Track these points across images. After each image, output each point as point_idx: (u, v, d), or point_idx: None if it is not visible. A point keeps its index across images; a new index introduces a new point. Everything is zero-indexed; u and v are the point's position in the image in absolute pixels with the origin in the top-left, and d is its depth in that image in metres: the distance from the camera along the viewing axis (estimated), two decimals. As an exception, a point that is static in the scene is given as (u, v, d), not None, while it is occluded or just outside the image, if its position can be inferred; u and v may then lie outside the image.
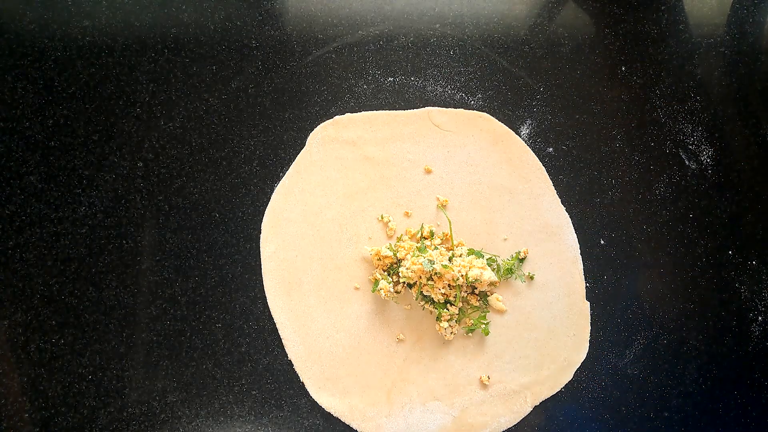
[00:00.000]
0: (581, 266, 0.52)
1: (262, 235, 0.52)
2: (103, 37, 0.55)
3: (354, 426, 0.50)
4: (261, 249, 0.52)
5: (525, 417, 0.50)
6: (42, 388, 0.51)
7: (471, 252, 0.51)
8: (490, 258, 0.51)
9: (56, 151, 0.53)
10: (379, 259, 0.51)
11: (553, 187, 0.52)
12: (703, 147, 0.54)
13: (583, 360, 0.51)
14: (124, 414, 0.50)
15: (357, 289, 0.51)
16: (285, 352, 0.51)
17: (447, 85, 0.54)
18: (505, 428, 0.50)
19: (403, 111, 0.53)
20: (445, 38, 0.55)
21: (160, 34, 0.55)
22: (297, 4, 0.56)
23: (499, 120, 0.53)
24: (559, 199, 0.52)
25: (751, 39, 0.55)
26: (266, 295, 0.52)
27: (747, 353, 0.51)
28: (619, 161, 0.53)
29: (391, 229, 0.52)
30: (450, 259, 0.50)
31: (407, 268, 0.49)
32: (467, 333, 0.50)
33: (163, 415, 0.50)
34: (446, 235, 0.51)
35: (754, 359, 0.51)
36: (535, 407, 0.50)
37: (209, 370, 0.51)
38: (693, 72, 0.55)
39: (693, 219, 0.53)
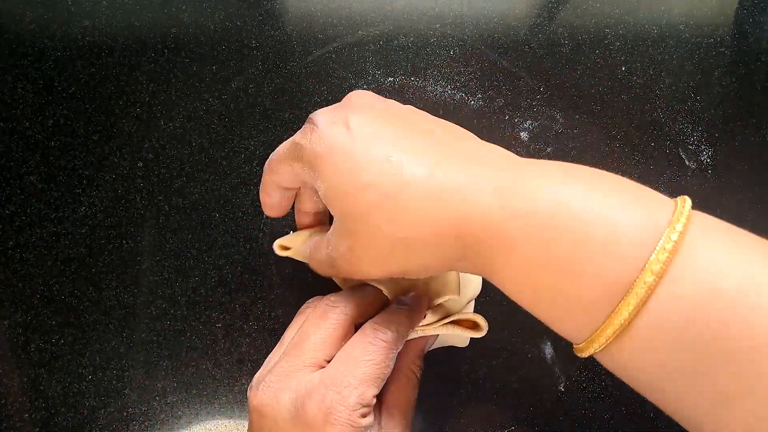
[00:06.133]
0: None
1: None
2: (103, 37, 0.55)
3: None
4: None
5: (525, 417, 0.50)
6: (42, 388, 0.51)
7: None
8: None
9: (56, 151, 0.53)
10: None
11: None
12: (703, 147, 0.54)
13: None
14: (124, 414, 0.50)
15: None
16: (285, 352, 0.51)
17: (447, 85, 0.54)
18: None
19: None
20: (445, 38, 0.55)
21: (160, 34, 0.55)
22: (297, 4, 0.56)
23: (499, 120, 0.53)
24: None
25: (751, 39, 0.55)
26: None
27: (747, 353, 0.51)
28: (619, 161, 0.53)
29: None
30: None
31: None
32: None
33: (163, 415, 0.50)
34: None
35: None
36: (535, 407, 0.50)
37: (209, 370, 0.51)
38: (693, 72, 0.55)
39: (693, 219, 0.53)
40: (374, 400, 0.33)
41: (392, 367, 0.35)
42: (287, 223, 0.53)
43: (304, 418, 0.32)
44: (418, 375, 0.39)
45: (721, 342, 0.25)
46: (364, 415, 0.32)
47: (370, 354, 0.34)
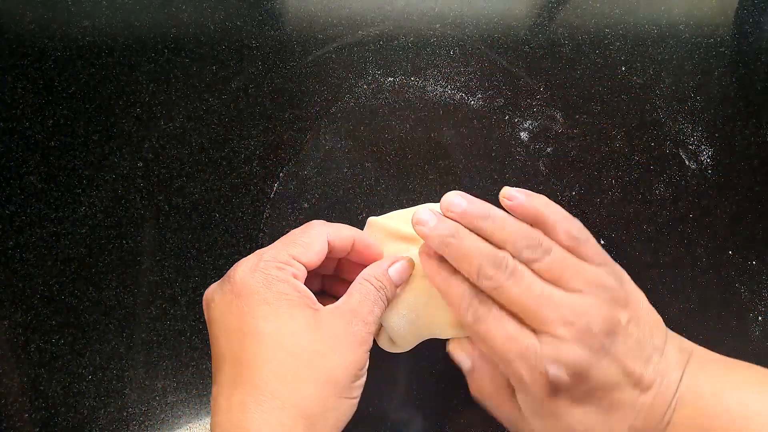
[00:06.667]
0: (581, 266, 0.52)
1: None
2: (103, 37, 0.55)
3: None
4: None
5: (525, 417, 0.50)
6: (42, 388, 0.51)
7: None
8: None
9: (56, 151, 0.53)
10: None
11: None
12: (703, 147, 0.54)
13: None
14: (124, 414, 0.50)
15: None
16: (285, 352, 0.51)
17: (447, 85, 0.54)
18: None
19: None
20: (445, 38, 0.55)
21: (160, 34, 0.55)
22: (297, 4, 0.56)
23: (499, 120, 0.53)
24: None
25: (751, 39, 0.55)
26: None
27: (747, 353, 0.51)
28: (619, 161, 0.53)
29: None
30: None
31: None
32: None
33: (163, 415, 0.50)
34: None
35: (754, 359, 0.51)
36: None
37: (209, 370, 0.51)
38: (693, 72, 0.55)
39: (693, 219, 0.53)
40: (292, 261, 0.37)
41: (325, 249, 0.38)
42: (288, 224, 0.53)
43: (229, 276, 0.37)
44: (375, 285, 0.39)
45: None
46: (278, 269, 0.36)
47: (303, 232, 0.39)
